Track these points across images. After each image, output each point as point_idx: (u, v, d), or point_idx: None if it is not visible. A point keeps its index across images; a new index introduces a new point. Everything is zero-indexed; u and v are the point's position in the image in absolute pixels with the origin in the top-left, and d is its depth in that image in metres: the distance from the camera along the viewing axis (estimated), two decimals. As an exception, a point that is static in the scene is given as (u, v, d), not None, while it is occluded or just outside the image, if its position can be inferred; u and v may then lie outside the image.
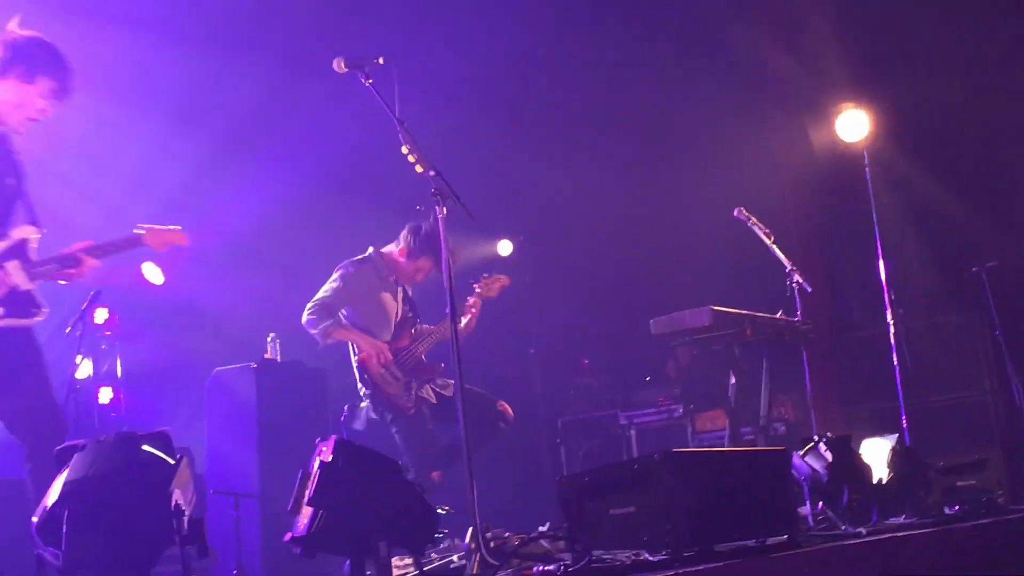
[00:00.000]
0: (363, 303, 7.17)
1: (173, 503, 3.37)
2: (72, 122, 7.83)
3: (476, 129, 9.55)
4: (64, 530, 3.29)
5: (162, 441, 3.54)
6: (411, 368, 7.06)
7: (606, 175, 10.07)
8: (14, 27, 5.28)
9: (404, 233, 7.23)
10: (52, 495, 3.40)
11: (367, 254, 7.27)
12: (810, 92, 9.87)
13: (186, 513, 3.42)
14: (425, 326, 7.27)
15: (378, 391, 6.93)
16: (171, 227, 5.85)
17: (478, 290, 7.30)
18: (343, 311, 7.06)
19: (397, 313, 7.27)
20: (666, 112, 9.89)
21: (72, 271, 5.25)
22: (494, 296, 7.41)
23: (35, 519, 3.42)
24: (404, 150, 4.89)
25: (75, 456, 3.48)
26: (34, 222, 5.23)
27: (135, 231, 5.60)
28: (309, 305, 6.95)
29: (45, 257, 5.22)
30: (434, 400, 7.08)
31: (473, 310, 7.27)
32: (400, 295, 7.32)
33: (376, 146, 8.53)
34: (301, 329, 7.15)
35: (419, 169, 4.87)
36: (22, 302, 5.09)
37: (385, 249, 7.30)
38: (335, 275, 7.13)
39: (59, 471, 3.50)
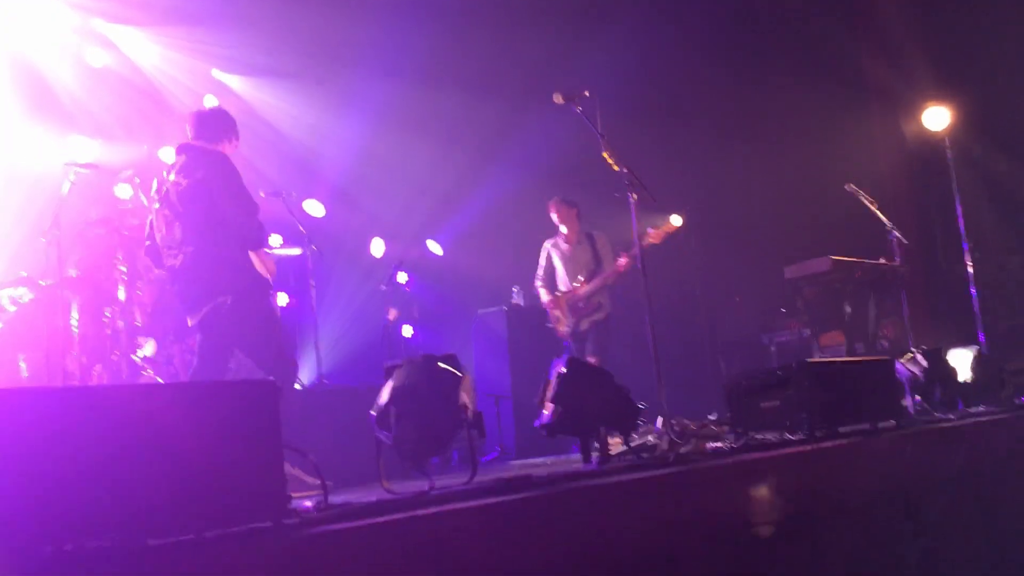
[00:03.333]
0: (547, 266, 7.37)
1: (461, 401, 3.43)
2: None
3: (651, 135, 9.43)
4: (392, 420, 3.38)
5: (452, 360, 3.57)
6: (572, 308, 7.13)
7: (748, 163, 9.81)
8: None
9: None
10: (383, 396, 3.47)
11: None
12: (901, 93, 9.41)
13: (470, 408, 3.47)
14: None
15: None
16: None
17: (650, 232, 6.67)
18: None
19: (564, 267, 7.27)
20: (790, 114, 9.56)
21: None
22: (659, 240, 6.66)
23: (373, 412, 3.49)
24: (604, 155, 4.88)
25: (396, 371, 3.54)
26: None
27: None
28: None
29: None
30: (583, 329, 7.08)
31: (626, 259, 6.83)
32: (566, 253, 7.28)
33: (581, 153, 8.65)
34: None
35: (615, 168, 4.87)
36: None
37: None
38: None
39: (386, 381, 3.55)
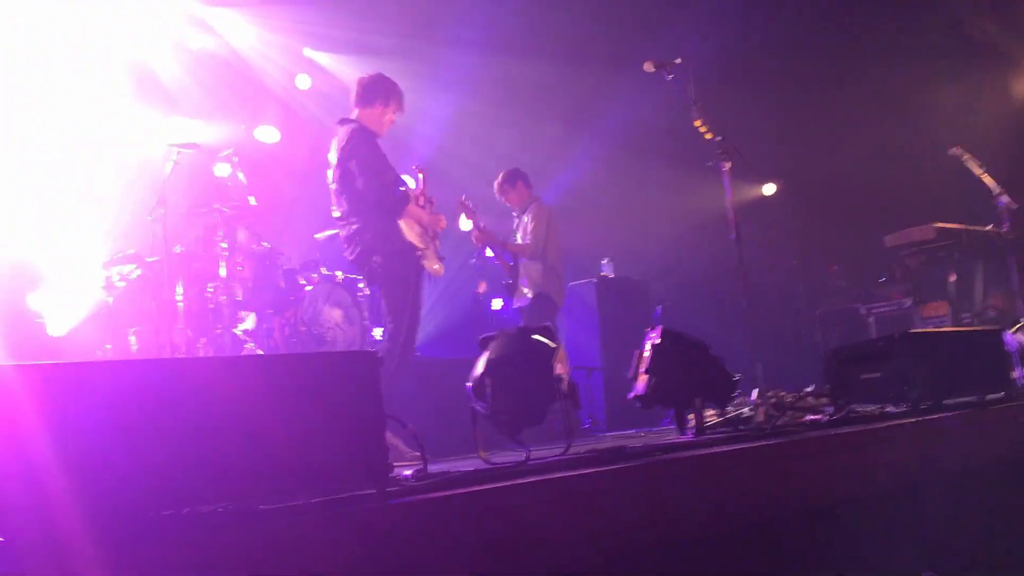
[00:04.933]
0: None
1: (556, 373, 3.43)
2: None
3: (744, 102, 9.21)
4: (488, 391, 3.41)
5: (547, 332, 3.59)
6: None
7: (845, 128, 9.51)
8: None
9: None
10: (479, 367, 3.49)
11: None
12: (1009, 49, 8.97)
13: (564, 380, 3.46)
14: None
15: None
16: None
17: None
18: None
19: None
20: (889, 75, 9.27)
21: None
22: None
23: (469, 384, 3.52)
24: (697, 123, 4.77)
25: (491, 343, 3.58)
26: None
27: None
28: None
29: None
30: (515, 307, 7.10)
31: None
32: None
33: (672, 122, 8.51)
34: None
35: (708, 136, 4.75)
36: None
37: None
38: None
39: (481, 353, 3.57)
